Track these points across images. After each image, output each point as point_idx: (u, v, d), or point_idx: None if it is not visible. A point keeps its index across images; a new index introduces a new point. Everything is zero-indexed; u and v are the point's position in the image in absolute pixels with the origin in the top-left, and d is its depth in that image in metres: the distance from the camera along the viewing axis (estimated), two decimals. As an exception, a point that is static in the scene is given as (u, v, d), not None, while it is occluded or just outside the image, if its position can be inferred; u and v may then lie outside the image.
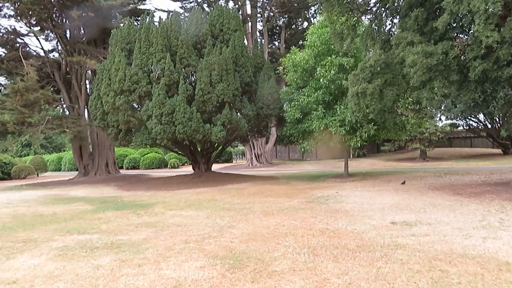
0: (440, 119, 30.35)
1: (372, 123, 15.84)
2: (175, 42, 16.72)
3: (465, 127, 30.51)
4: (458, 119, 29.80)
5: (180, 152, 21.42)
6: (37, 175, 33.96)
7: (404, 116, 17.72)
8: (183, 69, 16.54)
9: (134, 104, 16.37)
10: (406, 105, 17.65)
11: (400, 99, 15.31)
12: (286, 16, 38.21)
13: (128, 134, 17.61)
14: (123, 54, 16.37)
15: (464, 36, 11.38)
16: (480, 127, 30.28)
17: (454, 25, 11.55)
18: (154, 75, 15.70)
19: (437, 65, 10.77)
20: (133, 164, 40.27)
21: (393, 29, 14.27)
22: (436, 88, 11.02)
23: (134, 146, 17.12)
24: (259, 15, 35.43)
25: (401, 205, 9.25)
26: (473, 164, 24.35)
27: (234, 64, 17.14)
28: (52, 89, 22.54)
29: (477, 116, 29.24)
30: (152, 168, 38.85)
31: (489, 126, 29.07)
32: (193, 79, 17.19)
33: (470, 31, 10.51)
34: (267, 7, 35.29)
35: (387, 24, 14.58)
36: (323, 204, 10.00)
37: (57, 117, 21.75)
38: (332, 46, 16.91)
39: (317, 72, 16.62)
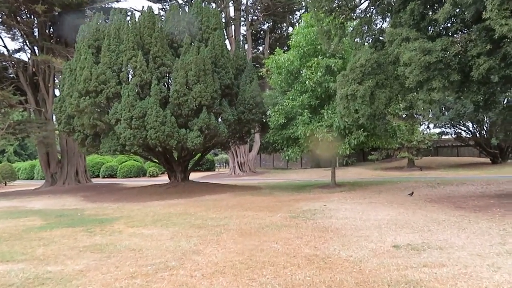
0: (428, 126, 29.60)
1: (362, 129, 14.64)
2: (148, 40, 15.29)
3: (453, 136, 29.75)
4: (447, 127, 29.10)
5: (155, 160, 19.87)
6: (5, 183, 31.87)
7: (394, 122, 16.60)
8: (157, 69, 15.10)
9: (101, 106, 14.78)
10: (396, 110, 16.57)
11: (391, 103, 14.21)
12: (271, 20, 37.19)
13: (96, 139, 16.04)
14: (90, 52, 14.85)
15: (465, 31, 10.26)
16: (468, 136, 29.56)
17: (454, 20, 10.48)
18: (124, 75, 14.22)
19: (436, 63, 9.63)
20: (110, 173, 38.36)
21: (384, 26, 13.12)
22: (435, 90, 9.84)
23: (102, 152, 15.54)
24: (242, 18, 34.28)
25: (399, 221, 7.97)
26: (463, 174, 23.45)
27: (213, 65, 15.80)
28: (16, 91, 20.73)
29: (466, 124, 28.55)
30: (130, 177, 37.01)
31: (478, 135, 28.32)
32: (168, 80, 15.76)
33: (474, 26, 9.38)
34: (251, 10, 34.21)
35: (378, 21, 13.43)
36: (309, 220, 8.65)
37: (20, 122, 19.98)
38: (319, 47, 15.74)
39: (303, 74, 15.40)
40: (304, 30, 16.21)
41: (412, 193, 13.06)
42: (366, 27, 12.85)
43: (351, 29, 13.59)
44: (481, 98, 10.24)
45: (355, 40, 13.46)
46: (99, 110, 14.73)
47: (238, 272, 4.69)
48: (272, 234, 7.05)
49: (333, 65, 15.01)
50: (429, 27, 11.12)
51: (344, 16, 13.17)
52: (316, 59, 15.19)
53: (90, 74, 14.19)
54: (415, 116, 26.68)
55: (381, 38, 12.36)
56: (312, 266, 4.88)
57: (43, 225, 9.30)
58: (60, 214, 11.48)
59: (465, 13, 9.41)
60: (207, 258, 5.47)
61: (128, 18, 15.96)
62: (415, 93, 11.71)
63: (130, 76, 15.21)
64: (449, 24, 10.97)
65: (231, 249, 5.94)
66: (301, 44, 15.95)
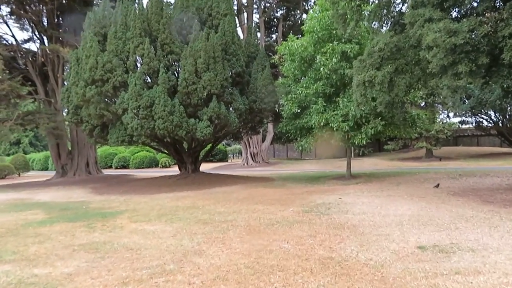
0: (447, 115, 28.49)
1: (380, 118, 13.88)
2: (156, 26, 14.72)
3: (474, 125, 28.57)
4: (467, 115, 27.95)
5: (165, 151, 19.45)
6: (19, 174, 31.99)
7: (413, 111, 15.77)
8: (164, 57, 14.56)
9: (108, 95, 14.31)
10: (416, 98, 15.74)
11: (411, 90, 13.43)
12: (284, 7, 36.22)
13: (104, 130, 15.64)
14: (96, 39, 14.37)
15: (495, 11, 9.39)
16: (490, 125, 28.35)
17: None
18: (131, 63, 13.71)
19: (463, 45, 8.85)
20: (123, 163, 38.30)
21: (404, 9, 12.28)
22: (461, 74, 9.04)
23: (110, 143, 15.15)
24: (255, 6, 33.43)
25: (422, 217, 7.30)
26: (484, 164, 22.46)
27: (224, 52, 15.17)
28: (26, 82, 20.45)
29: (487, 113, 27.35)
30: (143, 168, 36.89)
31: (500, 124, 27.10)
32: (177, 68, 15.20)
33: (507, 3, 8.54)
34: (264, -3, 33.31)
35: (397, 3, 12.57)
36: (323, 215, 8.05)
37: (29, 112, 19.73)
38: (334, 32, 14.95)
39: (317, 61, 14.66)
40: (319, 14, 15.42)
41: (438, 185, 12.32)
42: (384, 9, 12.03)
43: (369, 12, 12.78)
44: (512, 83, 9.41)
45: (373, 23, 12.69)
46: (106, 99, 14.29)
47: (242, 279, 4.14)
48: (283, 232, 6.48)
49: (349, 51, 14.24)
50: (454, 7, 10.31)
51: (361, -2, 12.39)
52: (331, 44, 14.43)
53: (96, 62, 13.73)
54: (435, 104, 25.74)
55: (400, 21, 11.54)
56: (327, 272, 4.29)
57: (44, 220, 8.91)
58: (64, 207, 11.12)
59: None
60: (209, 260, 4.93)
61: (136, 4, 15.38)
62: (438, 79, 10.93)
63: (137, 64, 14.72)
64: (475, 4, 10.16)
65: (237, 250, 5.38)
66: (315, 29, 15.17)
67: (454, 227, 6.42)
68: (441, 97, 20.97)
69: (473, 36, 8.88)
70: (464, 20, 8.95)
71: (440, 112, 27.06)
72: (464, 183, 12.89)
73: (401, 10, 12.20)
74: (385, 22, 12.40)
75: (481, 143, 36.41)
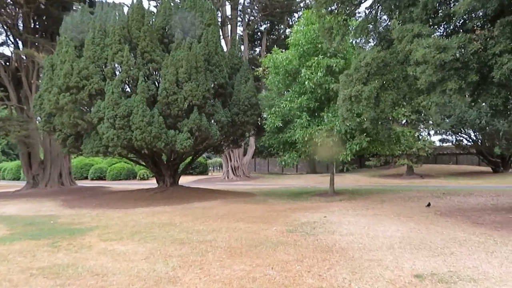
0: (428, 133, 28.68)
1: (365, 134, 13.62)
2: (136, 34, 14.17)
3: (454, 143, 28.83)
4: (448, 134, 28.18)
5: (142, 163, 18.71)
6: (-13, 184, 30.47)
7: (398, 128, 15.61)
8: (144, 65, 13.99)
9: (83, 103, 13.59)
10: (399, 115, 15.60)
11: (396, 107, 13.26)
12: (268, 21, 36.21)
13: (79, 139, 14.85)
14: (72, 44, 13.70)
15: (486, 27, 9.26)
16: (469, 144, 28.66)
17: (471, 15, 9.53)
18: (109, 70, 13.08)
19: (453, 61, 8.66)
20: (99, 175, 37.06)
21: (391, 24, 12.15)
22: (451, 91, 8.82)
23: (85, 154, 14.36)
24: (239, 18, 33.29)
25: (413, 240, 6.91)
26: (464, 183, 22.55)
27: (206, 62, 14.69)
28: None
29: (467, 132, 27.66)
30: (120, 179, 35.73)
31: (480, 143, 27.41)
32: (157, 77, 14.64)
33: (497, 21, 8.39)
34: (248, 10, 33.21)
35: (384, 19, 12.41)
36: (309, 235, 7.57)
37: (-1, 119, 18.75)
38: (320, 45, 14.75)
39: (302, 74, 14.37)
40: (304, 28, 15.20)
41: (429, 204, 12.05)
42: (371, 25, 11.84)
43: (355, 27, 12.59)
44: (501, 101, 9.25)
45: (359, 38, 12.52)
46: (80, 108, 13.56)
47: (222, 315, 3.60)
48: (267, 255, 5.96)
49: (334, 65, 14.02)
50: (443, 24, 10.18)
51: (348, 12, 12.19)
52: (316, 58, 14.19)
53: (72, 68, 13.05)
54: (416, 122, 25.84)
55: (387, 36, 11.36)
56: (319, 307, 3.80)
57: (4, 236, 8.13)
58: (30, 222, 10.30)
59: (487, 6, 8.44)
60: (184, 290, 4.36)
61: (116, 11, 14.83)
62: (425, 96, 10.76)
63: (116, 72, 14.10)
64: (462, 21, 10.06)
65: (216, 277, 4.83)
66: (300, 42, 14.94)
67: (449, 251, 6.03)
68: (423, 114, 21.04)
69: (463, 52, 8.71)
70: (454, 36, 8.78)
71: (421, 130, 27.17)
72: (449, 202, 12.67)
73: (388, 26, 12.04)
74: (372, 37, 12.21)
75: (460, 161, 36.90)
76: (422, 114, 20.99)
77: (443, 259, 5.58)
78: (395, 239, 7.06)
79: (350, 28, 12.94)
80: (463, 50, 8.71)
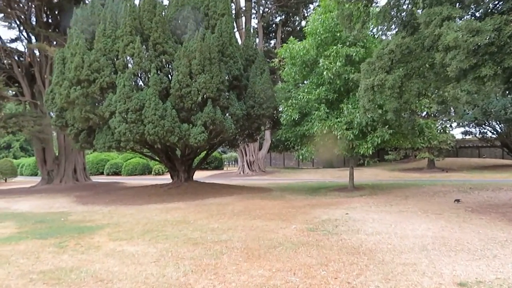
0: (451, 125, 27.61)
1: (387, 126, 12.92)
2: (148, 25, 13.73)
3: (478, 136, 27.74)
4: (471, 126, 27.14)
5: (156, 158, 18.36)
6: (5, 180, 30.71)
7: (422, 120, 14.84)
8: (157, 57, 13.55)
9: (94, 97, 13.23)
10: (422, 106, 14.77)
11: (422, 96, 12.52)
12: (283, 13, 35.43)
13: (91, 134, 14.55)
14: (83, 37, 13.34)
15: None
16: (493, 136, 27.55)
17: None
18: (120, 63, 12.67)
19: (487, 45, 7.95)
20: (115, 170, 37.07)
21: (415, 9, 11.39)
22: (485, 78, 8.10)
23: (97, 149, 14.05)
24: (254, 10, 32.62)
25: (448, 240, 6.28)
26: (489, 177, 21.54)
27: (220, 54, 14.18)
28: (11, 83, 19.34)
29: (491, 124, 26.56)
30: (135, 175, 35.68)
31: (505, 135, 26.27)
32: (169, 70, 14.19)
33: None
34: (263, 1, 32.50)
35: (408, 2, 11.65)
36: (332, 234, 7.01)
37: (13, 115, 18.58)
38: (338, 34, 14.06)
39: (320, 65, 13.71)
40: (322, 16, 14.51)
41: (459, 200, 11.32)
42: (394, 9, 11.11)
43: (377, 12, 11.87)
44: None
45: (381, 25, 11.80)
46: (92, 101, 13.20)
47: (239, 334, 3.09)
48: (287, 258, 5.43)
49: (354, 55, 13.33)
50: (473, 5, 9.43)
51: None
52: (335, 47, 13.51)
53: (82, 61, 12.70)
54: (440, 113, 24.83)
55: (412, 21, 10.64)
56: (352, 323, 3.26)
57: (12, 235, 7.80)
58: (40, 219, 10.00)
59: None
60: (197, 300, 3.87)
61: (126, 1, 14.40)
62: (454, 84, 10.00)
63: (128, 64, 13.70)
64: (497, 2, 9.31)
65: (233, 284, 4.32)
66: (318, 31, 14.25)
67: (491, 254, 5.40)
68: (447, 105, 20.09)
69: (498, 35, 7.96)
70: (487, 18, 8.05)
71: (443, 122, 26.13)
72: (478, 198, 11.91)
73: (412, 10, 11.29)
74: (395, 23, 11.48)
75: (482, 154, 35.63)
76: (447, 105, 19.97)
77: (487, 264, 4.96)
78: (427, 239, 6.44)
79: (371, 15, 12.22)
80: (498, 33, 7.98)
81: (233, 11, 28.16)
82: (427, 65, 10.39)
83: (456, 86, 9.83)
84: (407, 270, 4.76)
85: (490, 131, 26.94)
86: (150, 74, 12.84)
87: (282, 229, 7.70)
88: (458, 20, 8.71)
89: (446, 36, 8.10)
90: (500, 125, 26.01)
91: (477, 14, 9.26)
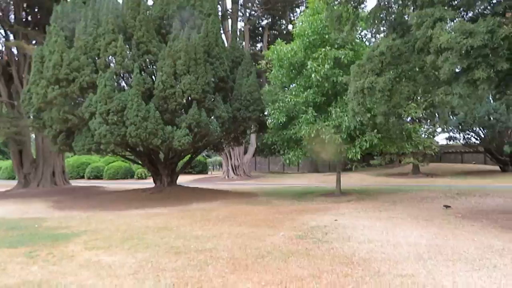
0: (435, 130, 27.70)
1: (376, 130, 12.73)
2: (131, 23, 13.27)
3: (462, 141, 27.95)
4: (455, 131, 27.33)
5: (138, 162, 17.80)
6: (-20, 184, 29.52)
7: (410, 124, 14.73)
8: (140, 56, 13.09)
9: (74, 97, 12.65)
10: (411, 110, 14.64)
11: (411, 100, 12.39)
12: (270, 16, 35.27)
13: (70, 136, 13.94)
14: (62, 34, 12.79)
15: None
16: (477, 142, 27.78)
17: (499, -3, 8.67)
18: (101, 62, 12.15)
19: (481, 47, 7.76)
20: (96, 174, 36.14)
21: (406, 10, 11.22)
22: (478, 81, 7.92)
23: (76, 151, 13.46)
24: (240, 13, 32.34)
25: (443, 248, 6.02)
26: (474, 182, 21.62)
27: (206, 54, 13.79)
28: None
29: (474, 130, 26.78)
30: (117, 179, 34.79)
31: (489, 141, 26.49)
32: (153, 70, 13.73)
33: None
34: (249, 4, 32.26)
35: (398, 4, 11.47)
36: (322, 242, 6.68)
37: (-14, 116, 17.82)
38: (327, 36, 13.85)
39: (308, 67, 13.46)
40: (310, 18, 14.28)
41: (448, 206, 11.13)
42: (384, 12, 10.93)
43: (367, 14, 11.69)
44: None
45: (370, 28, 11.61)
46: (71, 102, 12.64)
47: None
48: (277, 269, 5.06)
49: (342, 57, 13.13)
50: (466, 7, 9.30)
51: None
52: (323, 49, 13.29)
53: (61, 59, 12.15)
54: (426, 118, 24.89)
55: (402, 23, 10.48)
56: None
57: (-21, 243, 7.23)
58: (13, 226, 9.39)
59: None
60: (178, 319, 3.47)
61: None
62: (445, 87, 9.82)
63: (110, 64, 13.19)
64: (489, 3, 9.20)
65: (218, 300, 3.94)
66: (306, 33, 14.02)
67: (490, 264, 5.14)
68: (437, 110, 20.14)
69: (491, 38, 7.80)
70: (480, 20, 7.90)
71: (428, 127, 26.22)
72: (466, 204, 11.78)
73: (402, 13, 11.13)
74: (384, 25, 11.30)
75: (465, 160, 36.01)
76: (435, 110, 19.94)
77: (488, 274, 4.69)
78: (421, 247, 6.17)
79: (360, 17, 12.02)
80: (491, 35, 7.81)
81: (219, 13, 27.83)
82: (417, 68, 10.22)
83: (447, 90, 9.66)
84: (406, 282, 4.45)
85: (474, 137, 27.15)
86: (133, 74, 12.37)
87: (269, 236, 7.34)
88: (449, 22, 8.56)
89: (439, 38, 7.92)
90: (483, 131, 26.23)
91: (470, 16, 9.13)
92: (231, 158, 30.77)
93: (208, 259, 5.65)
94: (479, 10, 9.01)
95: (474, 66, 8.04)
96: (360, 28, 13.47)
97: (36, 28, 20.02)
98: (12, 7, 19.40)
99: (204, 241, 6.95)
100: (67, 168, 30.57)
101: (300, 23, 14.49)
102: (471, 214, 9.73)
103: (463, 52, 7.75)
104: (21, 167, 20.96)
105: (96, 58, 12.78)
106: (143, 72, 12.98)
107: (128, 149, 15.08)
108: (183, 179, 23.01)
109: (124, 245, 6.80)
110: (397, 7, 10.90)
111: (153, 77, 13.54)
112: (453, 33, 7.75)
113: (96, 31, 12.96)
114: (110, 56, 12.86)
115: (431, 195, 14.02)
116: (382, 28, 11.34)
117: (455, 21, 8.54)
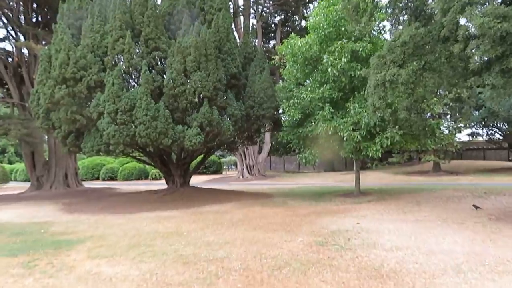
0: (460, 127, 26.64)
1: (397, 127, 11.99)
2: (139, 19, 12.81)
3: (485, 137, 26.81)
4: (478, 127, 26.23)
5: (150, 162, 17.39)
6: (-3, 186, 29.74)
7: (433, 120, 13.91)
8: (149, 54, 12.62)
9: (81, 96, 12.21)
10: (432, 105, 13.81)
11: (437, 93, 11.65)
12: (282, 12, 34.58)
13: (80, 137, 13.57)
14: (69, 32, 12.40)
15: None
16: (501, 138, 26.63)
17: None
18: (109, 60, 11.72)
19: (516, 33, 7.01)
20: (111, 175, 36.05)
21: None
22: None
23: (85, 152, 13.09)
24: (252, 10, 31.75)
25: (483, 257, 5.33)
26: (499, 180, 20.58)
27: (217, 50, 13.26)
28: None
29: (498, 125, 25.64)
30: (131, 180, 34.65)
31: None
32: (163, 67, 13.24)
33: None
34: (261, 0, 31.62)
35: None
36: (345, 250, 6.05)
37: (-1, 118, 17.64)
38: (343, 29, 13.16)
39: (324, 61, 12.81)
40: (325, 9, 13.59)
41: (478, 206, 10.32)
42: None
43: (386, 2, 10.95)
44: None
45: (391, 16, 10.88)
46: (79, 102, 12.23)
47: None
48: (296, 283, 4.46)
49: (360, 50, 12.43)
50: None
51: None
52: (340, 42, 12.61)
53: (68, 58, 11.75)
54: (447, 113, 23.92)
55: (425, 11, 9.74)
56: None
57: (-24, 252, 6.82)
58: (18, 231, 9.02)
59: None
60: None
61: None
62: (476, 78, 9.07)
63: (118, 62, 12.76)
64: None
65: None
66: (321, 25, 13.34)
67: (544, 278, 4.45)
68: (463, 104, 19.20)
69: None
70: (515, 3, 7.15)
71: (449, 123, 25.20)
72: (497, 204, 10.95)
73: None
74: (406, 13, 10.56)
75: (487, 156, 34.67)
76: (461, 104, 18.98)
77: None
78: (458, 255, 5.49)
79: (379, 5, 11.29)
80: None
81: (231, 10, 27.32)
82: (442, 59, 9.45)
83: (477, 81, 8.89)
84: (449, 302, 3.80)
85: (498, 132, 26.01)
86: (141, 71, 11.89)
87: (286, 242, 6.75)
88: (479, 7, 7.84)
89: (472, 22, 7.21)
90: (507, 126, 25.09)
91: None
92: (245, 158, 30.22)
93: (219, 270, 5.08)
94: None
95: (510, 54, 7.32)
96: (378, 20, 12.76)
97: (46, 29, 19.81)
98: (22, 7, 19.20)
99: (215, 249, 6.39)
100: (82, 169, 30.49)
101: (315, 15, 13.83)
102: (505, 216, 8.94)
103: (496, 38, 7.05)
104: (34, 169, 20.81)
105: (104, 56, 12.36)
106: (152, 70, 12.51)
107: (139, 150, 14.65)
108: (197, 180, 22.62)
109: (129, 253, 6.29)
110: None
111: (163, 74, 13.06)
112: (486, 17, 7.03)
113: (103, 28, 12.55)
114: (118, 54, 12.41)
115: (457, 194, 13.19)
116: (402, 19, 10.61)
117: (485, 5, 7.81)
